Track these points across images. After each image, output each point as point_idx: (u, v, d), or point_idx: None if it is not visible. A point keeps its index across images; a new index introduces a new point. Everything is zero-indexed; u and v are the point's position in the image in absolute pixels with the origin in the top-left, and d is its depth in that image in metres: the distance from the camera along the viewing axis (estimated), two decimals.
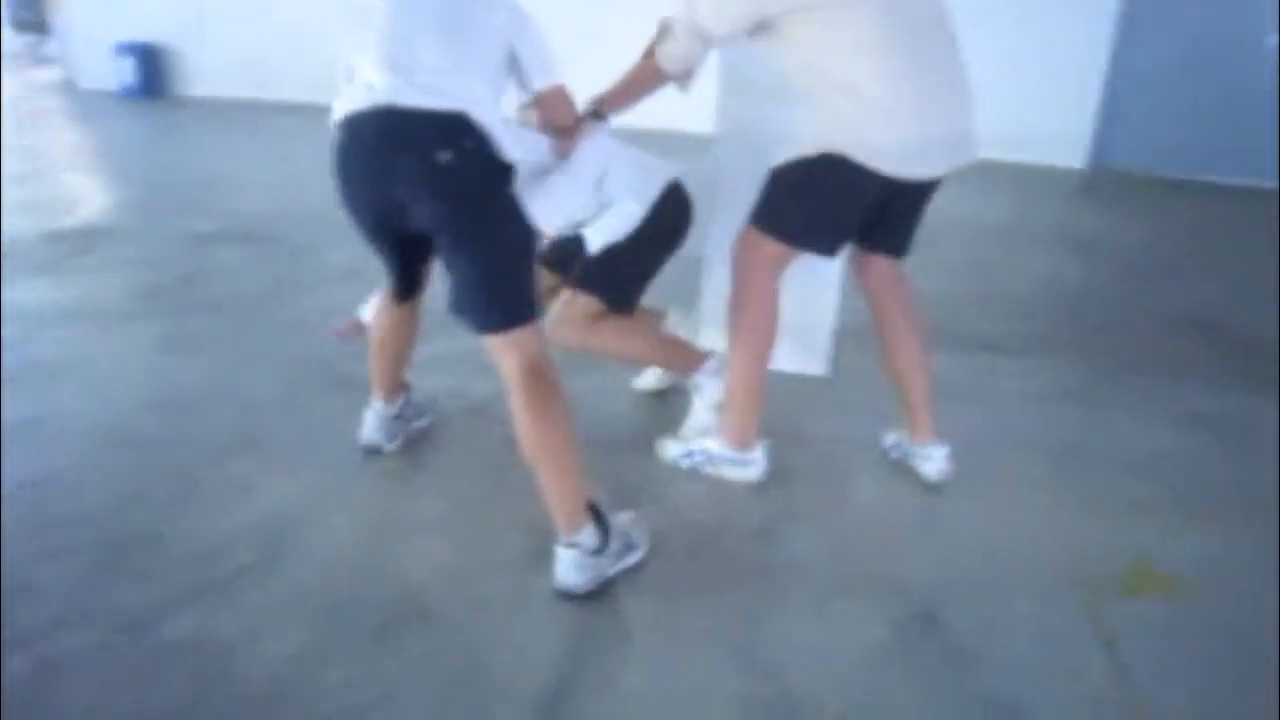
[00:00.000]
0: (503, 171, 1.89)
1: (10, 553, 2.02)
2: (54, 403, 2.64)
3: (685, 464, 2.36)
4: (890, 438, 2.46)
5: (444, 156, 1.81)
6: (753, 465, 2.30)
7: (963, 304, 3.52)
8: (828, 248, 2.18)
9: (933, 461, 2.34)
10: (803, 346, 2.90)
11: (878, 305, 2.32)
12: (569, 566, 1.90)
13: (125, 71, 8.50)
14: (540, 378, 1.87)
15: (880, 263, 2.29)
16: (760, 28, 1.99)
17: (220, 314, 3.35)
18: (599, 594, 1.93)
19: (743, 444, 2.29)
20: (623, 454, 2.48)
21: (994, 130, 2.78)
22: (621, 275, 2.37)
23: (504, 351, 1.89)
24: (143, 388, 2.75)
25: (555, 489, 1.90)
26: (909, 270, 2.37)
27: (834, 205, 2.07)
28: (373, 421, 2.43)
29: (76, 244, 3.92)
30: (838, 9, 1.89)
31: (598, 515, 1.95)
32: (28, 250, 3.81)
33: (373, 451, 2.44)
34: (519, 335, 1.88)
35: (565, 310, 2.35)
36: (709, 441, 2.33)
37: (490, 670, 1.75)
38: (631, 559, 2.01)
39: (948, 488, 2.37)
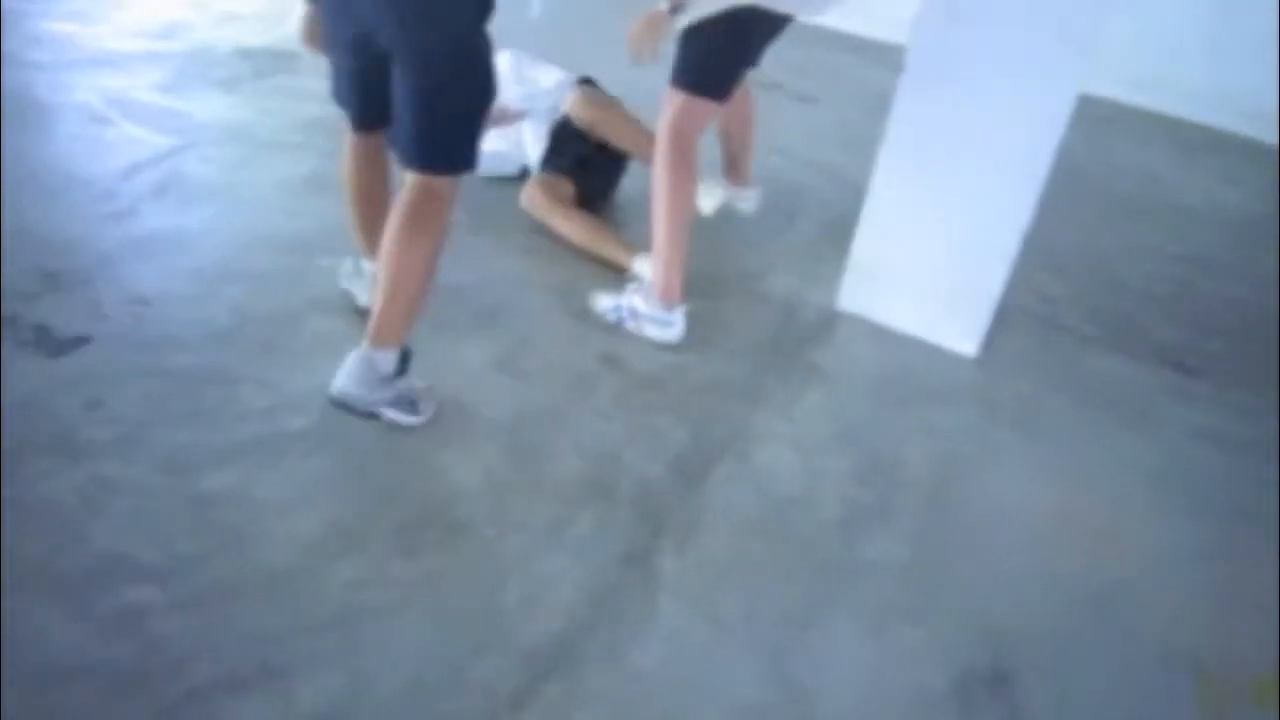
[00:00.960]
0: (477, 7, 1.76)
1: (100, 368, 2.05)
2: (186, 222, 2.67)
3: (611, 317, 2.46)
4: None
5: None
6: (673, 326, 2.41)
7: (1157, 304, 3.01)
8: (730, 93, 2.37)
9: (749, 200, 3.08)
10: (958, 319, 2.56)
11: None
12: (350, 371, 1.91)
13: None
14: (437, 210, 1.87)
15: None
16: None
17: None
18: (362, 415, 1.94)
19: (667, 303, 2.39)
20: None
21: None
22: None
23: (419, 184, 1.85)
24: (272, 224, 2.74)
25: (388, 300, 1.89)
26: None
27: (746, 51, 2.32)
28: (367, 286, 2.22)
29: (262, 63, 3.95)
30: None
31: (405, 357, 1.96)
32: (218, 63, 3.88)
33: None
34: (444, 181, 1.86)
35: (543, 186, 2.80)
36: (635, 298, 2.42)
37: (499, 606, 1.64)
38: (403, 419, 1.99)
39: (1059, 532, 2.03)
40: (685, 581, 1.73)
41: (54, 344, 2.11)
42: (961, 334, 2.59)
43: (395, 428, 1.99)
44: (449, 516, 1.81)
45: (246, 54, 3.99)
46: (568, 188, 2.88)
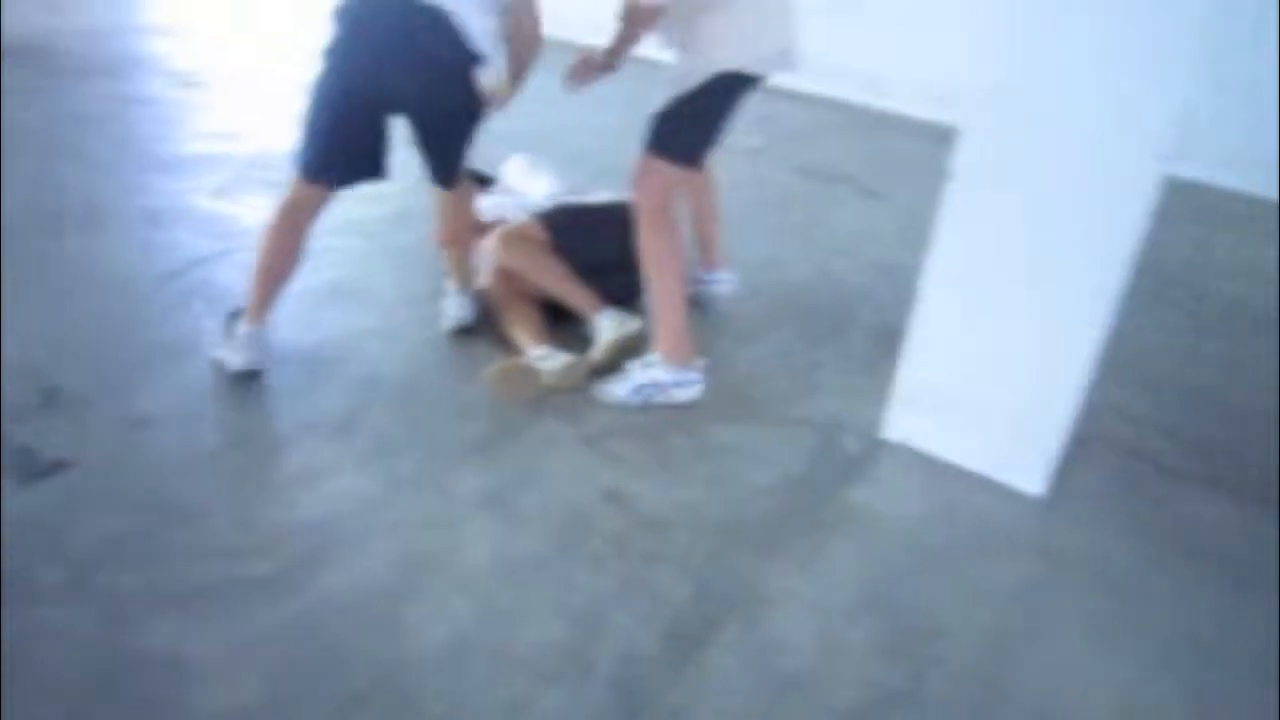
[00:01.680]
0: (472, 61, 2.21)
1: (70, 499, 1.94)
2: (202, 333, 2.59)
3: (636, 400, 2.43)
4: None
5: (448, 54, 2.17)
6: (695, 383, 2.46)
7: (1266, 430, 2.61)
8: (701, 160, 2.47)
9: (724, 284, 3.00)
10: (1022, 451, 2.25)
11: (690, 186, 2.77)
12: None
13: None
14: (469, 195, 2.65)
15: None
16: None
17: None
18: None
19: (684, 363, 2.44)
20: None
21: None
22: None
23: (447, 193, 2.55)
24: (284, 337, 2.64)
25: (461, 259, 2.71)
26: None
27: (718, 117, 2.36)
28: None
29: None
30: None
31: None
32: (273, 165, 3.90)
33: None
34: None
35: (503, 231, 2.72)
36: (653, 372, 2.43)
37: None
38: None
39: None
40: None
41: (32, 469, 2.02)
42: (1026, 469, 2.27)
43: (362, 576, 1.81)
44: (397, 689, 1.59)
45: None
46: (538, 233, 2.74)
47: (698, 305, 2.91)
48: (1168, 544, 2.14)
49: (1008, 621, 1.88)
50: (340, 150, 2.28)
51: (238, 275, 2.92)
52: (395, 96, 2.23)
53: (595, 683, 1.64)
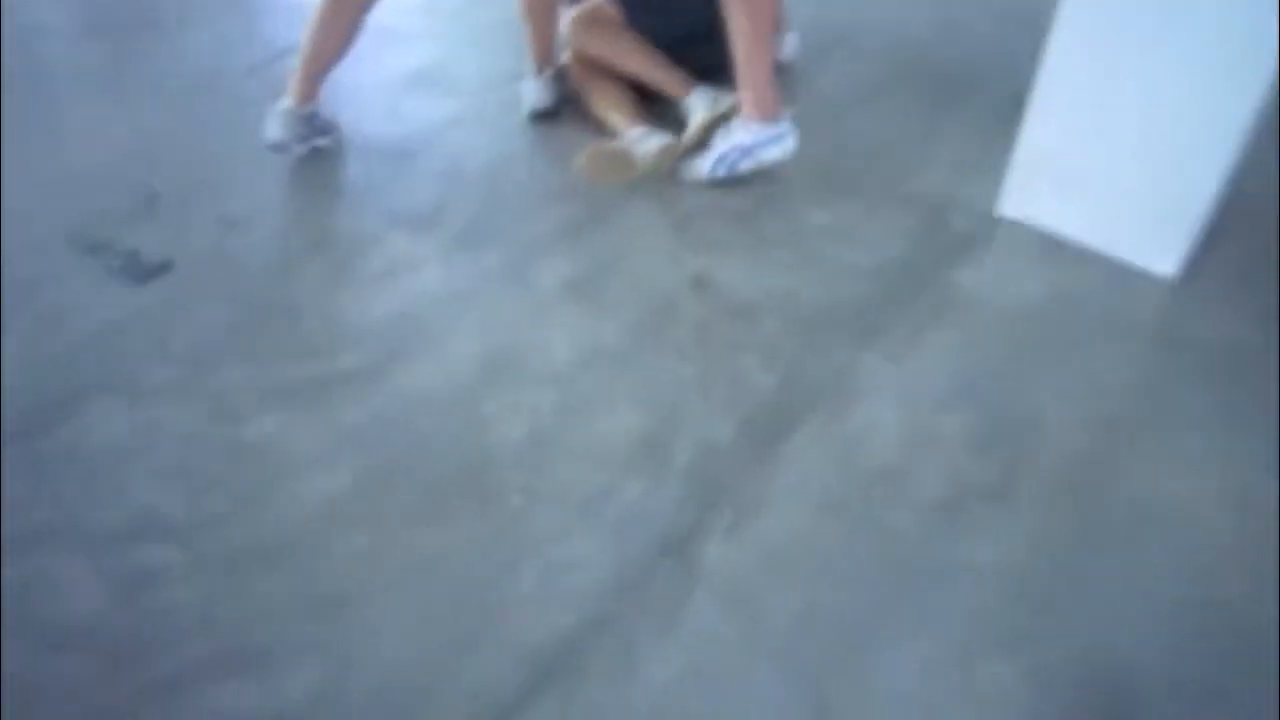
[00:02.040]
0: None
1: (176, 298, 2.02)
2: None
3: (722, 172, 2.27)
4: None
5: None
6: (788, 136, 2.24)
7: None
8: None
9: (785, 45, 2.71)
10: (1155, 228, 2.03)
11: None
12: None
13: None
14: None
15: None
16: None
17: None
18: None
19: (770, 117, 2.21)
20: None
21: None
22: None
23: None
24: (371, 129, 2.59)
25: (538, 35, 2.52)
26: None
27: None
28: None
29: None
30: None
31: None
32: None
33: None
34: None
35: (586, 15, 2.50)
36: (736, 135, 2.23)
37: (508, 595, 1.46)
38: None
39: (1231, 543, 1.56)
40: (729, 577, 1.48)
41: (140, 271, 2.10)
42: (1158, 247, 2.05)
43: (446, 370, 1.83)
44: (481, 479, 1.64)
45: None
46: (612, 12, 2.55)
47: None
48: None
49: (1115, 413, 1.76)
50: None
51: None
52: None
53: (673, 474, 1.64)
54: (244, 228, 2.23)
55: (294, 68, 2.35)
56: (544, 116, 2.57)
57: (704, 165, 2.30)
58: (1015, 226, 2.20)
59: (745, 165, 2.27)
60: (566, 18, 2.54)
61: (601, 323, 1.94)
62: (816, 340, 1.90)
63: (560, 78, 2.60)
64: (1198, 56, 1.82)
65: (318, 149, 2.42)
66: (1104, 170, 2.04)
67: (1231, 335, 1.93)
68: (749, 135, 2.24)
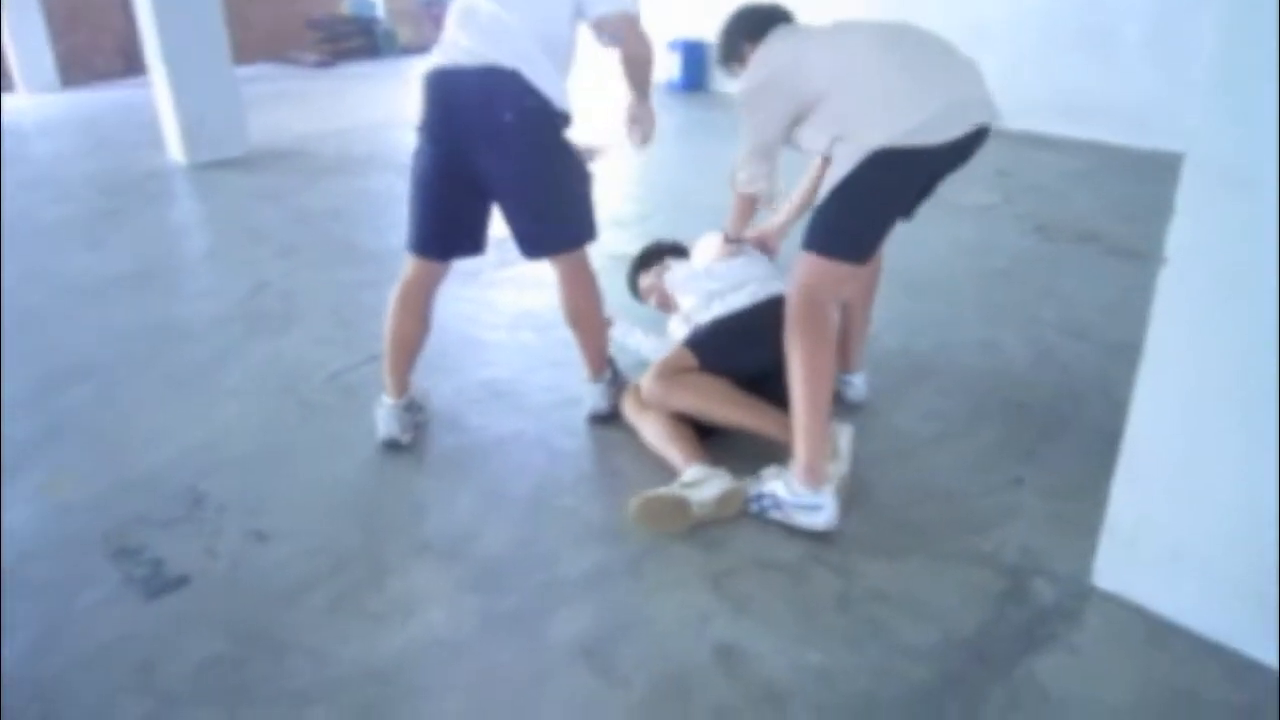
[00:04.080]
0: (561, 122, 2.19)
1: (175, 620, 1.93)
2: (347, 430, 2.58)
3: (754, 508, 2.17)
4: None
5: (507, 116, 2.10)
6: (823, 510, 2.07)
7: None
8: (872, 252, 2.17)
9: (854, 388, 2.60)
10: (1252, 616, 1.68)
11: None
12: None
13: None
14: (583, 269, 2.41)
15: None
16: (796, 119, 2.20)
17: None
18: None
19: (813, 484, 2.08)
20: None
21: None
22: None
23: (563, 261, 2.38)
24: (417, 446, 2.57)
25: (587, 344, 2.52)
26: None
27: (891, 205, 2.11)
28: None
29: None
30: (828, 55, 2.15)
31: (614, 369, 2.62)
32: None
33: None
34: (577, 253, 2.38)
35: (654, 368, 2.41)
36: (776, 485, 2.13)
37: None
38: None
39: None
40: None
41: (156, 585, 2.03)
42: None
43: None
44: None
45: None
46: (689, 360, 2.41)
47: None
48: None
49: None
50: (436, 225, 2.32)
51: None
52: (476, 169, 2.19)
53: None
54: (273, 541, 2.17)
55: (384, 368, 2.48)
56: (604, 423, 2.57)
57: (750, 492, 2.17)
58: (1112, 602, 1.88)
59: (775, 516, 2.13)
60: (644, 380, 2.42)
61: (605, 697, 1.70)
62: None
63: (615, 386, 2.60)
64: None
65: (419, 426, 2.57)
66: (1210, 539, 1.74)
67: None
68: (787, 492, 2.10)
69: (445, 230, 2.34)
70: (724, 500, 2.14)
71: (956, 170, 2.18)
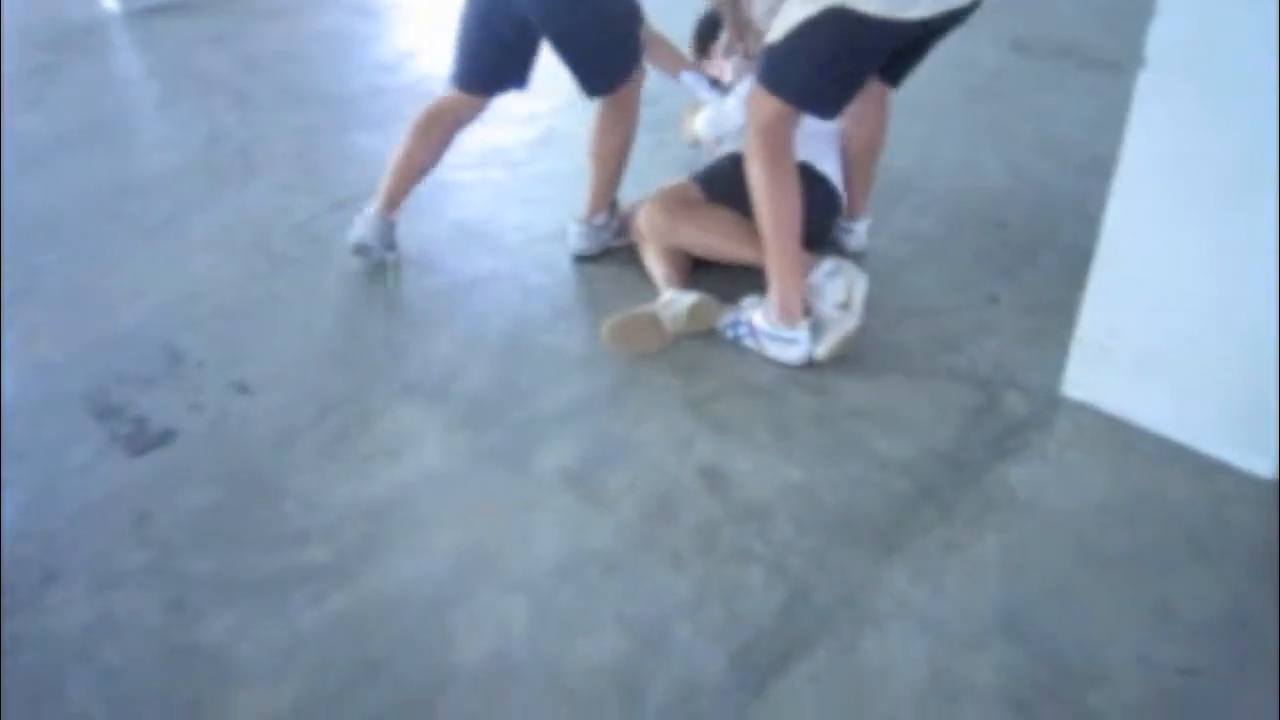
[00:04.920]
0: None
1: (167, 474, 1.95)
2: (320, 279, 2.55)
3: (729, 334, 2.18)
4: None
5: None
6: (796, 344, 2.08)
7: None
8: (826, 109, 2.03)
9: (855, 235, 2.50)
10: (1245, 420, 1.74)
11: (850, 116, 2.30)
12: (581, 236, 2.51)
13: None
14: (622, 109, 2.35)
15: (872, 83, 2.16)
16: None
17: None
18: None
19: (786, 318, 2.07)
20: None
21: None
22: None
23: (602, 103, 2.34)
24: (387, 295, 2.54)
25: (598, 182, 2.45)
26: None
27: (847, 66, 1.96)
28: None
29: None
30: None
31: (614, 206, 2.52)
32: None
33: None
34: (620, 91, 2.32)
35: (657, 197, 2.33)
36: (755, 314, 2.13)
37: None
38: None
39: None
40: None
41: (141, 442, 2.04)
42: (1250, 441, 1.75)
43: (417, 572, 1.67)
44: (429, 709, 1.45)
45: None
46: (695, 192, 2.36)
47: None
48: None
49: (1199, 661, 1.45)
50: (482, 58, 2.31)
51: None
52: (513, 4, 2.14)
53: (644, 717, 1.41)
54: (256, 393, 2.17)
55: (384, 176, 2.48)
56: (587, 261, 2.54)
57: (724, 320, 2.19)
58: (1081, 410, 1.94)
59: (748, 343, 2.16)
60: (645, 207, 2.38)
61: (595, 520, 1.76)
62: (834, 551, 1.67)
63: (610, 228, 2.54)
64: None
65: (383, 263, 2.53)
66: (1181, 346, 1.78)
67: None
68: (764, 322, 2.11)
69: (492, 62, 2.31)
70: (695, 312, 2.15)
71: (938, 39, 2.06)
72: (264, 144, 3.38)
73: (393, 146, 2.51)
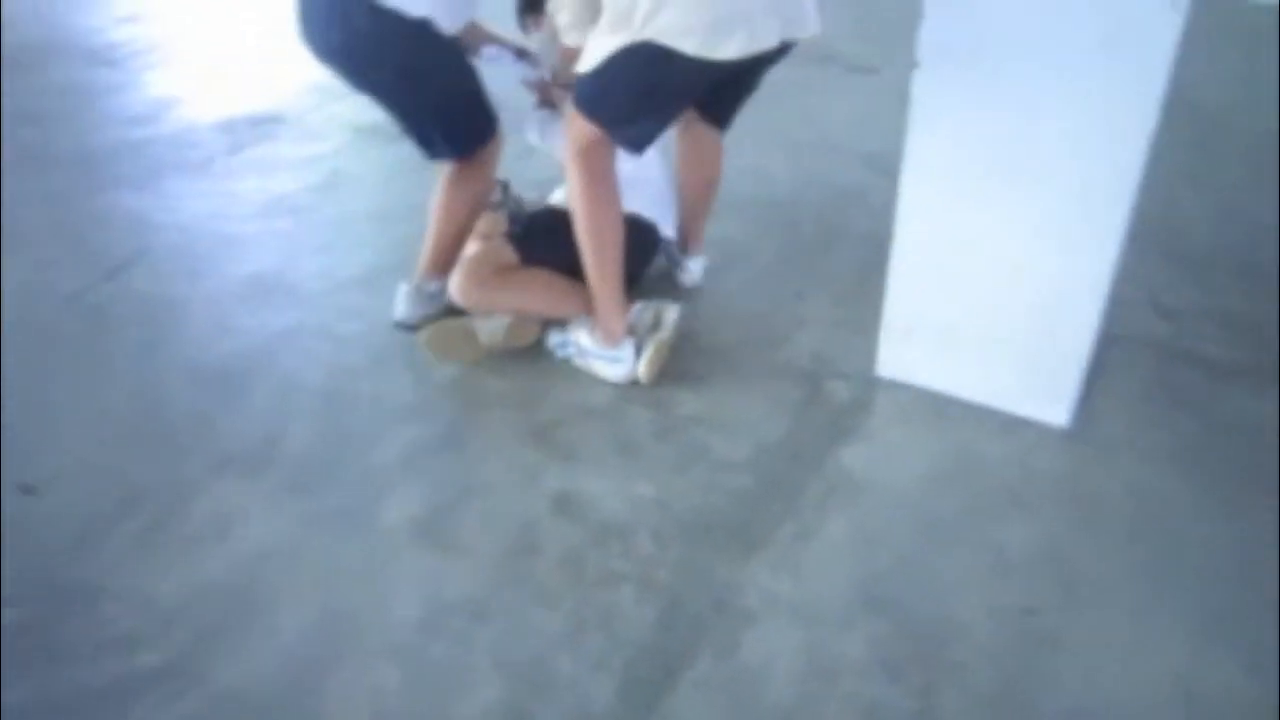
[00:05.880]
0: (413, 30, 1.93)
1: None
2: (111, 354, 2.32)
3: (559, 353, 2.21)
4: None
5: (336, 38, 1.96)
6: (621, 362, 2.12)
7: (1178, 261, 2.21)
8: (636, 141, 2.00)
9: (688, 272, 2.48)
10: (1037, 375, 1.92)
11: (685, 159, 2.39)
12: (407, 299, 2.27)
13: None
14: (459, 180, 2.20)
15: (698, 125, 2.29)
16: None
17: None
18: None
19: (608, 338, 2.12)
20: None
21: None
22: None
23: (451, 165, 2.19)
24: (193, 356, 2.36)
25: (429, 245, 2.27)
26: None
27: (648, 95, 1.92)
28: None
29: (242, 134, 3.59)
30: None
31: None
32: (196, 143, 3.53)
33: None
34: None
35: (469, 268, 2.17)
36: (580, 333, 2.16)
37: None
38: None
39: None
40: None
41: None
42: (1045, 396, 1.95)
43: (269, 654, 1.56)
44: None
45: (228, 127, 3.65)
46: (508, 254, 2.23)
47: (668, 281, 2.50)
48: (1221, 469, 1.81)
49: (1031, 598, 1.59)
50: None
51: (155, 281, 2.64)
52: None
53: None
54: (44, 492, 1.95)
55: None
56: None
57: (552, 338, 2.22)
58: (896, 388, 2.08)
59: (579, 364, 2.18)
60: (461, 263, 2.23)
61: (453, 568, 1.71)
62: (697, 558, 1.70)
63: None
64: (1054, 196, 1.74)
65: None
66: (976, 319, 1.94)
67: (1137, 481, 1.80)
68: (590, 341, 2.14)
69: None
70: (514, 331, 2.18)
71: (756, 78, 2.12)
72: (14, 214, 3.05)
73: (157, 203, 2.32)
